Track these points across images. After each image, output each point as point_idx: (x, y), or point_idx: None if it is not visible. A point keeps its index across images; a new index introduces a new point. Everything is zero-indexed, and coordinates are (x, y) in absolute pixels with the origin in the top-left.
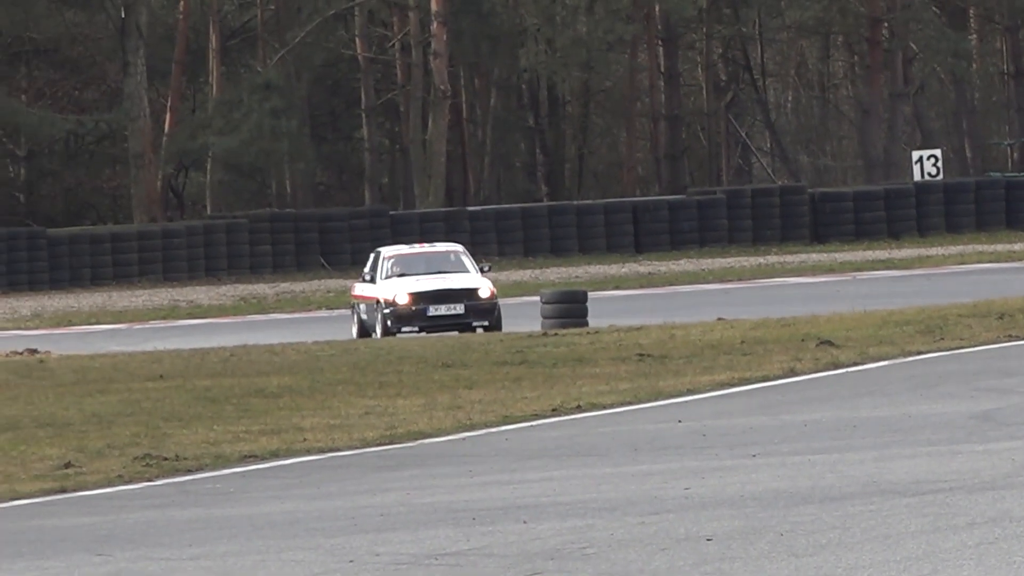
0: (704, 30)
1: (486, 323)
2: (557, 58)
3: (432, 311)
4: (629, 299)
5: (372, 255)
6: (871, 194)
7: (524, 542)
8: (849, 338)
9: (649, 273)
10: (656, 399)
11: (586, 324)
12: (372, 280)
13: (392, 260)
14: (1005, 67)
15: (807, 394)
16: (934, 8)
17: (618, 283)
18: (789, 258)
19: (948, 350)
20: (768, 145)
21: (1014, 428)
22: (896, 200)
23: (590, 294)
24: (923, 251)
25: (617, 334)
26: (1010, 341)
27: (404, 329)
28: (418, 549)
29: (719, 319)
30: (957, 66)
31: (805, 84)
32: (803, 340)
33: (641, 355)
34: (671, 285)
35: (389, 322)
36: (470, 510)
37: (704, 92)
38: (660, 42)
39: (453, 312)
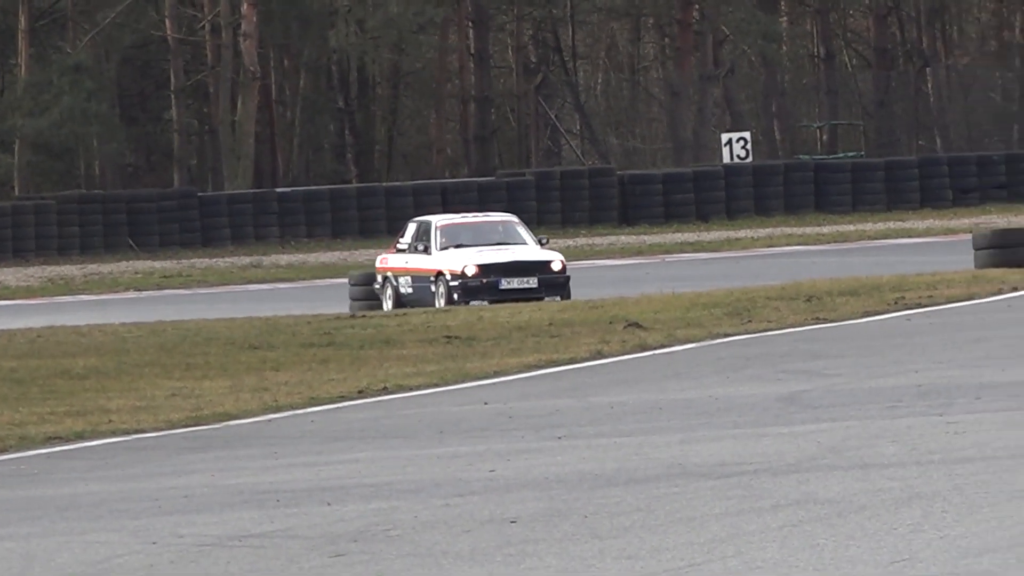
0: (515, 12)
1: (558, 297)
2: (367, 39)
3: (504, 284)
4: None
5: (413, 225)
6: (680, 176)
7: (328, 524)
8: (657, 320)
9: None
10: (463, 381)
11: None
12: (424, 251)
13: (446, 229)
14: (815, 50)
15: (614, 376)
16: None
17: None
18: (598, 240)
19: (756, 332)
20: (578, 127)
21: (820, 411)
22: (705, 182)
23: None
24: (731, 234)
25: (425, 316)
26: (817, 324)
27: (472, 302)
28: (222, 531)
29: None
30: (767, 48)
31: (615, 66)
32: (611, 322)
33: (448, 337)
34: None
35: (456, 295)
36: (275, 492)
37: (514, 74)
38: (470, 23)
39: (526, 286)
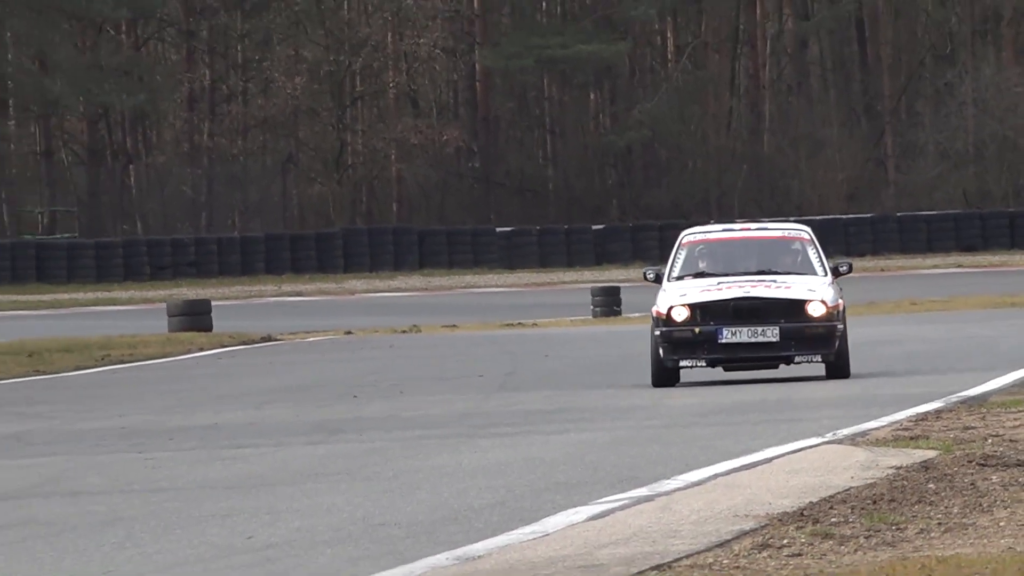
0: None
1: (817, 357)
2: None
3: (726, 336)
4: None
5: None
6: None
7: None
8: None
9: None
10: None
11: None
12: (656, 279)
13: (691, 249)
14: (38, 147)
15: None
16: None
17: None
18: None
19: None
20: None
21: (40, 447)
22: None
23: None
24: None
25: None
26: (36, 375)
27: (684, 363)
28: None
29: None
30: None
31: None
32: None
33: None
34: None
35: (663, 350)
36: None
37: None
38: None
39: (760, 339)
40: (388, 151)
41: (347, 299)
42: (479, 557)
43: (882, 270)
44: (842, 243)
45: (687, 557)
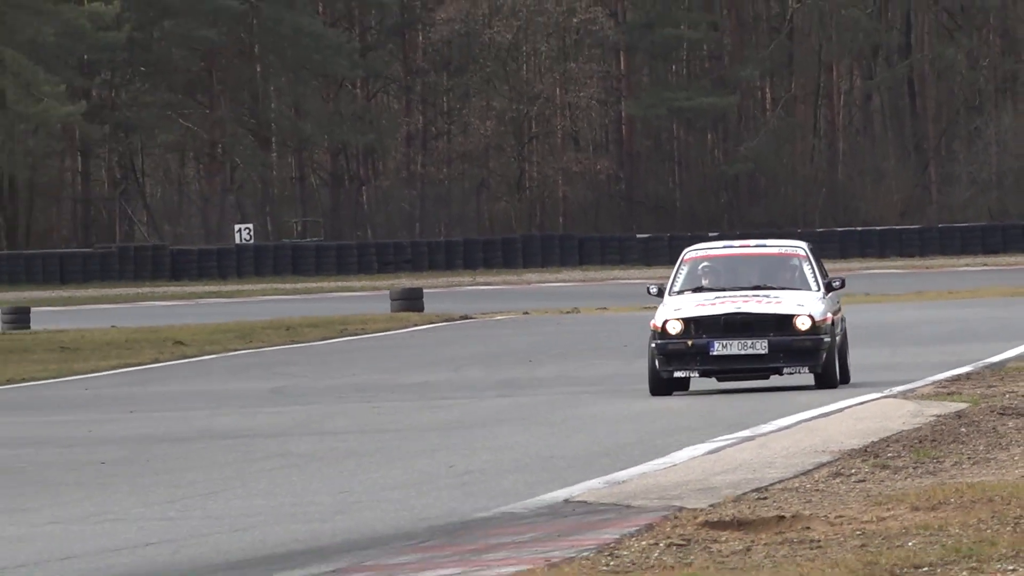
0: (107, 147)
1: (804, 368)
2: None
3: (717, 349)
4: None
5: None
6: (209, 251)
7: None
8: (194, 340)
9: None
10: (71, 375)
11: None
12: (659, 293)
13: (693, 265)
14: (294, 173)
15: (170, 374)
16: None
17: None
18: (158, 290)
19: (254, 350)
20: (145, 217)
21: (296, 398)
22: (224, 255)
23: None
24: (238, 287)
25: (46, 334)
26: (293, 344)
27: (678, 374)
28: None
29: (112, 327)
30: (265, 173)
31: (165, 181)
32: (164, 341)
33: (62, 347)
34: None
35: (658, 361)
36: None
37: (106, 184)
38: (80, 153)
39: (749, 352)
40: (556, 177)
41: (524, 288)
42: (623, 481)
43: (927, 268)
44: (896, 248)
45: (779, 483)
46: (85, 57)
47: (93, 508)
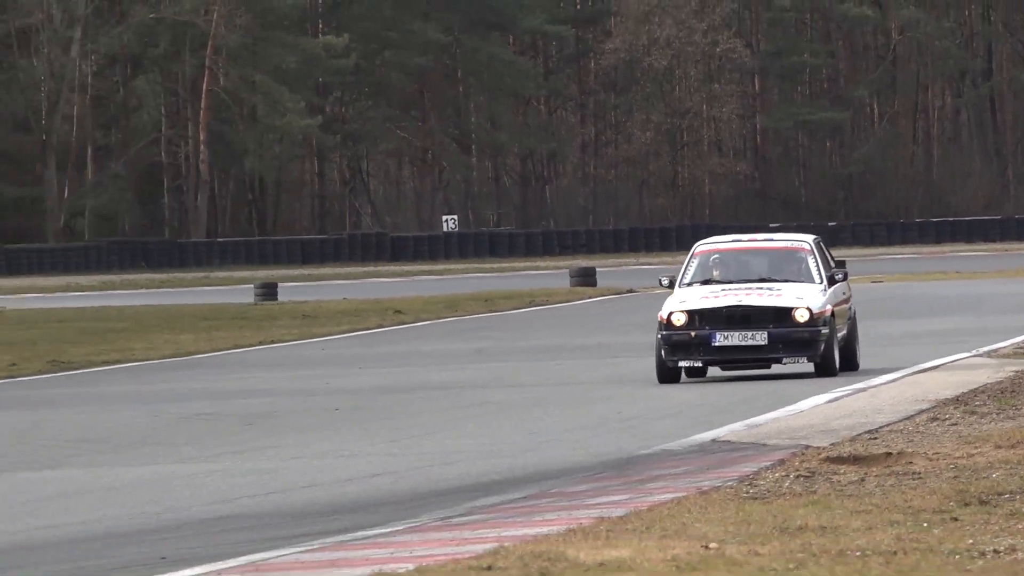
0: (339, 153)
1: (803, 358)
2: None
3: (719, 340)
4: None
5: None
6: (421, 237)
7: (243, 409)
8: (410, 309)
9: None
10: (311, 338)
11: None
12: (670, 285)
13: (703, 259)
14: (490, 175)
15: (391, 337)
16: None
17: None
18: (380, 269)
19: (462, 317)
20: (370, 210)
21: (495, 357)
22: (434, 240)
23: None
24: (445, 266)
25: (291, 305)
26: (490, 313)
27: (682, 363)
28: (191, 412)
29: (344, 299)
30: (465, 172)
31: (386, 181)
32: (385, 310)
33: (304, 315)
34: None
35: (663, 351)
36: (231, 390)
37: (338, 183)
38: (316, 158)
39: (749, 343)
40: (703, 177)
41: (678, 267)
42: (759, 424)
43: (1005, 251)
44: (981, 235)
45: (887, 426)
46: (320, 80)
47: (330, 446)
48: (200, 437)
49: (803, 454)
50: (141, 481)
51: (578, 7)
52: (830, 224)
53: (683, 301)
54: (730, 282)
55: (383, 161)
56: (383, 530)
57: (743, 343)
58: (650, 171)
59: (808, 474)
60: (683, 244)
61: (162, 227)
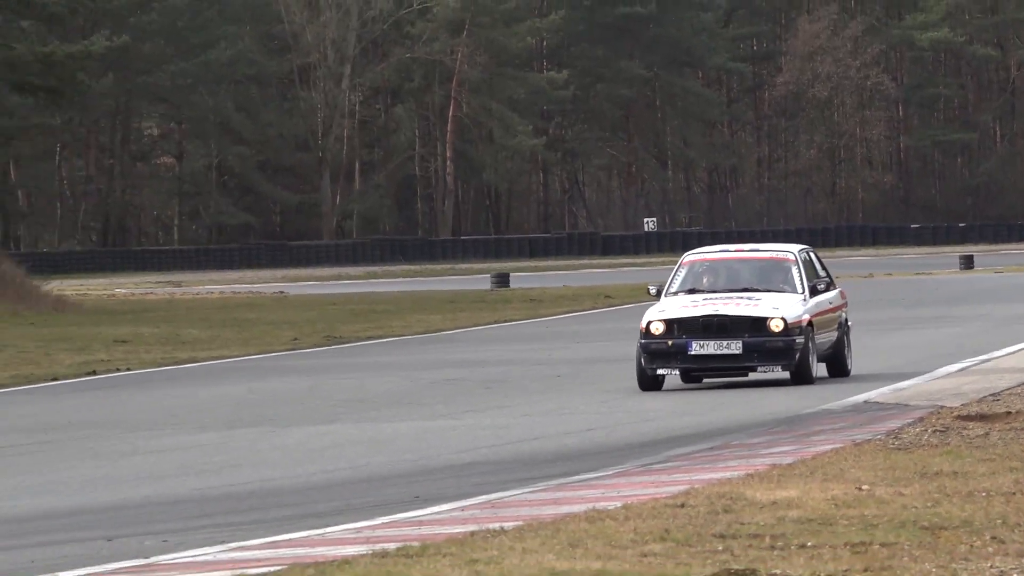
0: (559, 167)
1: (777, 367)
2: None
3: (695, 348)
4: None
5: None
6: (627, 236)
7: (440, 377)
8: (618, 294)
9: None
10: (537, 318)
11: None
12: (657, 294)
13: (690, 268)
14: (683, 183)
15: (602, 318)
16: None
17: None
18: (594, 261)
19: (611, 309)
20: (585, 213)
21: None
22: (637, 238)
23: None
24: (647, 260)
25: (520, 291)
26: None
27: (660, 371)
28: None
29: (564, 286)
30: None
31: (598, 190)
32: (598, 295)
33: (531, 299)
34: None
35: (643, 359)
36: (438, 361)
37: (559, 191)
38: (541, 172)
39: (724, 352)
40: (857, 187)
41: (836, 260)
42: (903, 389)
43: None
44: None
45: (1007, 389)
46: (545, 108)
47: (552, 405)
48: (448, 398)
49: (938, 413)
50: (399, 434)
51: (755, 48)
52: (960, 225)
53: (662, 311)
54: (714, 291)
55: (596, 174)
56: (596, 474)
57: (718, 352)
58: (813, 182)
59: (943, 429)
60: (840, 242)
61: (416, 228)
